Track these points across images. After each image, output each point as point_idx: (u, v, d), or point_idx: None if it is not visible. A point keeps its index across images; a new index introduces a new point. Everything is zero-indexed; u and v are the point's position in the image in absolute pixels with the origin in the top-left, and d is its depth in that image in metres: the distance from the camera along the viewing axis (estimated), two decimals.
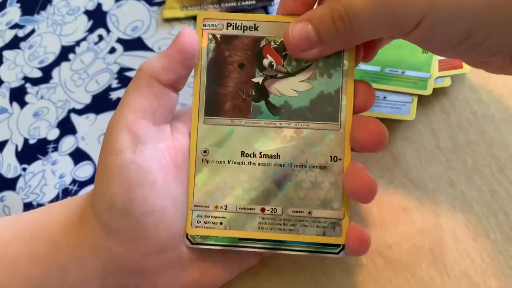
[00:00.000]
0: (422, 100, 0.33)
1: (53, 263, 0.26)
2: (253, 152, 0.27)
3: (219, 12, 0.38)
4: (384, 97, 0.34)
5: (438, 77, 0.33)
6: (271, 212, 0.27)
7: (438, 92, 0.33)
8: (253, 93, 0.27)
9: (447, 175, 0.32)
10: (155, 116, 0.26)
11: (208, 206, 0.27)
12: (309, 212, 0.27)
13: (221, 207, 0.27)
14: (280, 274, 0.30)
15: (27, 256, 0.26)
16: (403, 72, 0.34)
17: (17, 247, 0.26)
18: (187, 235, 0.27)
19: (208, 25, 0.27)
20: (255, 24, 0.27)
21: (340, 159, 0.27)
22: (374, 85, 0.34)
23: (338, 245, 0.27)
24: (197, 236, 0.27)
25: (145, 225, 0.25)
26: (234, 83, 0.27)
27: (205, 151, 0.27)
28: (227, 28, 0.27)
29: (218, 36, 0.27)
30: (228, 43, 0.27)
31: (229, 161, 0.27)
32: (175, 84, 0.26)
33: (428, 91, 0.33)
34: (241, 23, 0.27)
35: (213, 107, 0.27)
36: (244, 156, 0.27)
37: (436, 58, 0.34)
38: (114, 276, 0.26)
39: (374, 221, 0.31)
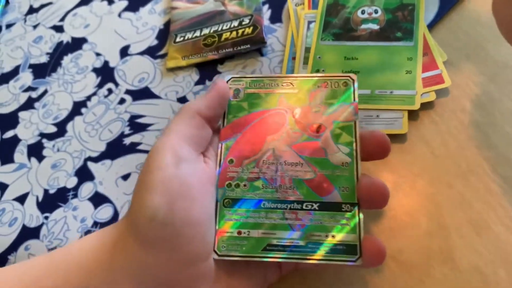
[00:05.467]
0: (412, 115, 0.36)
1: None
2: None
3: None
4: (377, 116, 0.37)
5: (424, 93, 0.37)
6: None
7: (425, 106, 0.37)
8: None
9: (444, 179, 0.34)
10: (195, 143, 0.30)
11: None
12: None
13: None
14: (301, 287, 0.32)
15: (63, 286, 0.28)
16: (391, 92, 0.37)
17: (52, 280, 0.28)
18: (214, 247, 0.29)
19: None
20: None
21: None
22: (367, 106, 0.37)
23: (355, 254, 0.29)
24: (223, 247, 0.29)
25: (184, 235, 0.27)
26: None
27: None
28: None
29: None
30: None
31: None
32: (212, 120, 0.31)
33: (416, 106, 0.36)
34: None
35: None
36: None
37: (420, 77, 0.37)
38: None
39: (383, 229, 0.33)
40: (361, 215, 0.29)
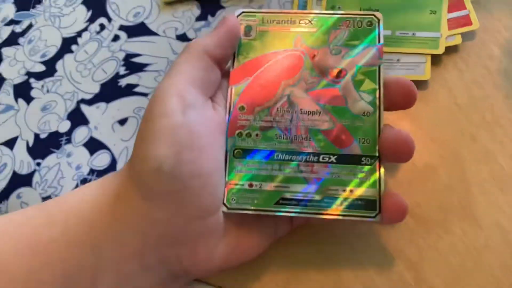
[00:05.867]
0: (435, 60, 0.34)
1: (88, 244, 0.25)
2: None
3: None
4: (398, 60, 0.34)
5: (449, 36, 0.34)
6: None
7: (450, 50, 0.34)
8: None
9: (467, 131, 0.32)
10: (203, 87, 0.27)
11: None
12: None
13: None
14: (313, 241, 0.30)
15: (61, 240, 0.25)
16: (413, 33, 0.34)
17: (50, 232, 0.26)
18: (223, 200, 0.27)
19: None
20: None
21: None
22: (387, 49, 0.34)
23: (374, 209, 0.27)
24: (233, 200, 0.27)
25: (192, 188, 0.25)
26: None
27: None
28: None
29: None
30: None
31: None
32: (221, 61, 0.28)
33: (440, 50, 0.33)
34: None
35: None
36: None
37: (445, 17, 0.34)
38: (154, 251, 0.25)
39: (400, 181, 0.31)
40: (382, 169, 0.27)
